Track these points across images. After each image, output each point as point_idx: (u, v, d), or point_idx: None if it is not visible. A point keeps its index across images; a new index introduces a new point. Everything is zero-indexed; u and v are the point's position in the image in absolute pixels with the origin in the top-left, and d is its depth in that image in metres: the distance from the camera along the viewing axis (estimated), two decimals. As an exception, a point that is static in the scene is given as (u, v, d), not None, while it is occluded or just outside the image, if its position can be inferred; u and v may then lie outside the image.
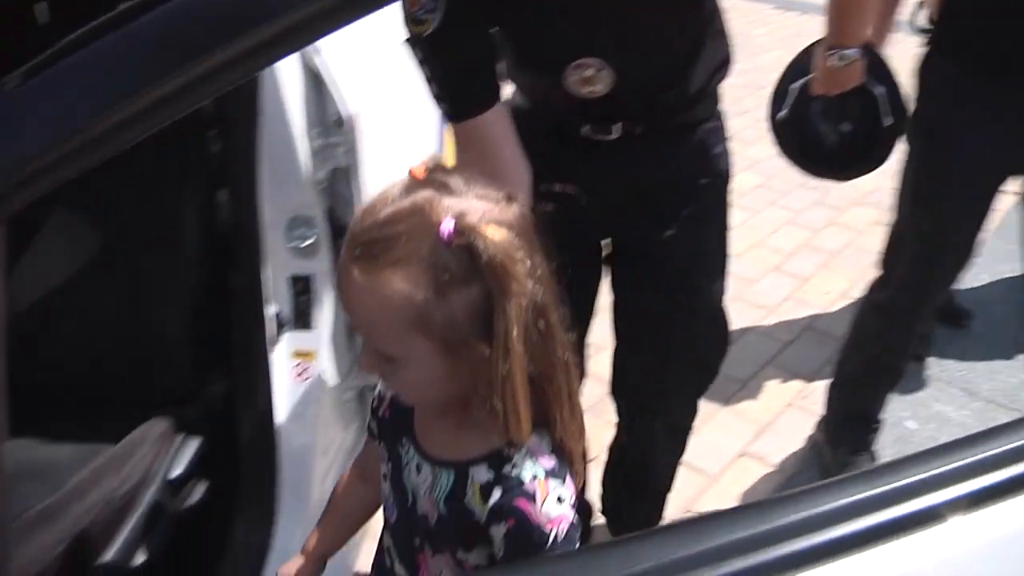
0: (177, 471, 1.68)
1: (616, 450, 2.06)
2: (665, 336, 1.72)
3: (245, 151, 1.63)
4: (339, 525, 1.29)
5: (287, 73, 1.62)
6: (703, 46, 1.54)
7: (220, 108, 1.66)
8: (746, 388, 2.82)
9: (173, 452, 1.69)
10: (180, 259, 1.74)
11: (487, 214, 0.92)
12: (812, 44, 2.02)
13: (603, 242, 1.73)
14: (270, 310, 1.69)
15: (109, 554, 1.54)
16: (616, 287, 1.76)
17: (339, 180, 1.75)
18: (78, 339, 1.74)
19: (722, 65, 1.59)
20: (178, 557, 1.67)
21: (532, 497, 0.98)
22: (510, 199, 0.97)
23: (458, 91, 1.46)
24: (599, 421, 2.16)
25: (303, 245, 1.71)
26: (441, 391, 0.99)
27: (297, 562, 1.26)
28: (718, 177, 1.65)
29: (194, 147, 1.75)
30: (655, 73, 1.51)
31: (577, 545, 1.01)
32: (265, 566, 1.64)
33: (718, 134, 1.64)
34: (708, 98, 1.60)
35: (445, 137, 2.13)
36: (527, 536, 0.97)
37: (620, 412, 1.94)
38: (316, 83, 1.67)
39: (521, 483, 0.98)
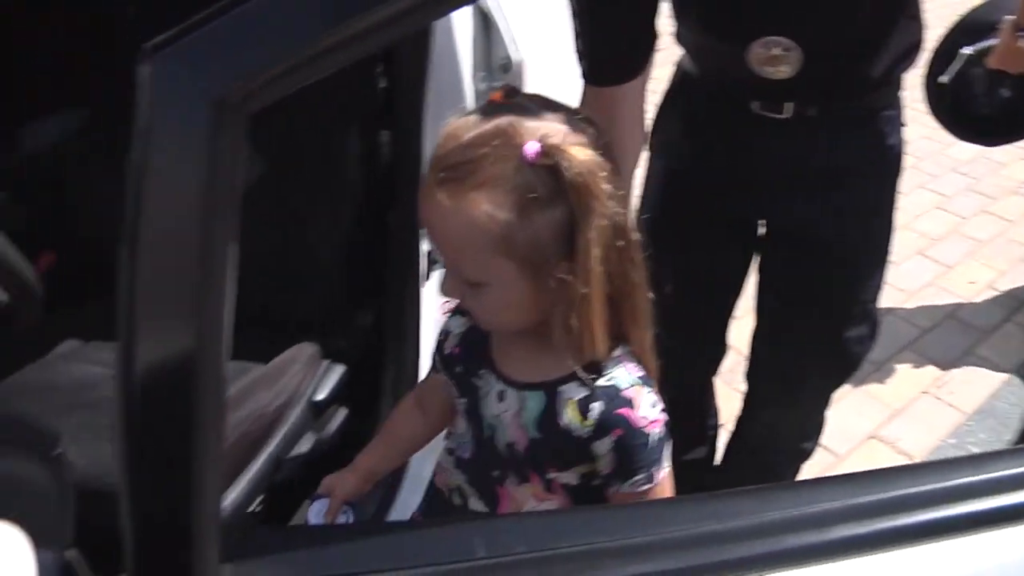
0: (322, 395, 1.74)
1: (744, 426, 2.03)
2: (812, 329, 1.64)
3: (412, 90, 1.66)
4: (391, 448, 1.31)
5: (459, 13, 1.64)
6: (894, 29, 1.43)
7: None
8: (881, 370, 2.75)
9: (319, 376, 1.74)
10: (341, 192, 1.79)
11: (569, 135, 0.94)
12: (979, 7, 1.94)
13: (759, 221, 1.65)
14: (423, 247, 1.73)
15: (255, 466, 1.61)
16: (765, 270, 1.69)
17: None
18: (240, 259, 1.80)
19: (910, 51, 1.47)
20: (314, 479, 1.73)
21: (631, 404, 1.01)
22: (589, 121, 0.98)
23: (600, 55, 1.40)
24: (729, 389, 2.14)
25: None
26: (523, 314, 1.01)
27: (346, 475, 1.26)
28: (890, 168, 1.55)
29: (361, 82, 1.79)
30: (842, 55, 1.42)
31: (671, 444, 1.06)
32: (397, 495, 1.69)
33: (894, 123, 1.53)
34: (891, 85, 1.50)
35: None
36: (632, 442, 1.01)
37: (751, 394, 1.89)
38: (486, 25, 1.68)
39: (619, 391, 1.01)
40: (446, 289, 1.04)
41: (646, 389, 1.03)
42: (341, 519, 1.22)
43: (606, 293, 0.97)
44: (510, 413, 1.07)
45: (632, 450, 1.01)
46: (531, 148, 0.91)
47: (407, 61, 1.65)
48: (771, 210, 1.61)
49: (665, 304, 1.07)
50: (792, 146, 1.49)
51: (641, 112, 1.44)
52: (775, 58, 1.37)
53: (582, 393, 1.02)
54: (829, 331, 1.63)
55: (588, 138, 0.95)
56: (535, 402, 1.05)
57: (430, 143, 1.68)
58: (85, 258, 1.52)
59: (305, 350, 1.72)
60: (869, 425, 2.56)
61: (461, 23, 1.64)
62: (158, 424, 0.60)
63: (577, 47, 1.42)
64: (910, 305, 3.08)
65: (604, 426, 1.01)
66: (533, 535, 0.73)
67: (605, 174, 0.94)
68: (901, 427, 2.56)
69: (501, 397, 1.08)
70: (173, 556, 0.59)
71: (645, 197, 1.67)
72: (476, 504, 1.16)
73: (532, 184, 0.92)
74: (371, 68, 1.79)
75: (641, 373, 1.04)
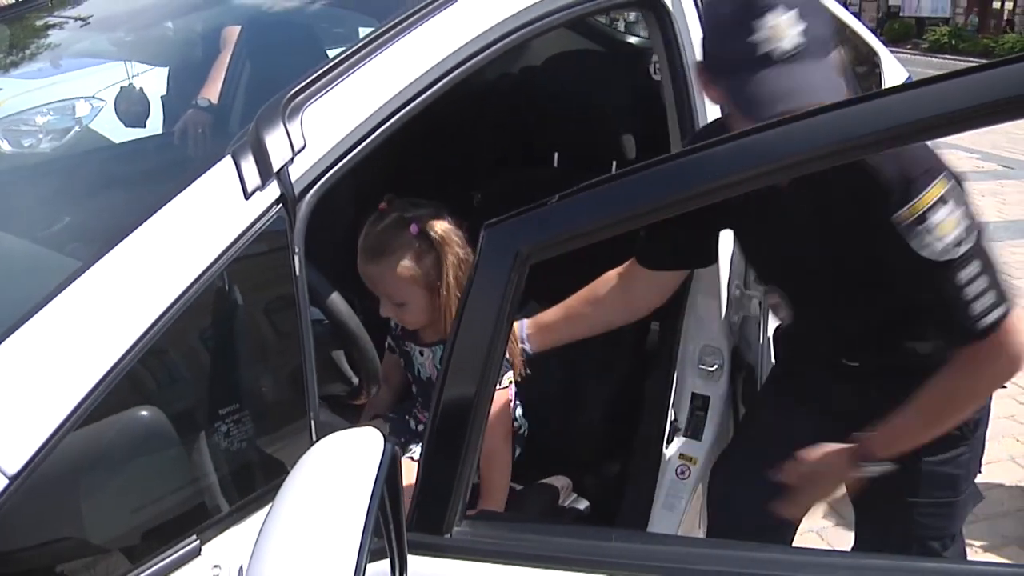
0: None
1: None
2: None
3: (679, 289, 2.08)
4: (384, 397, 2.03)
5: (722, 233, 2.05)
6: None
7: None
8: None
9: (566, 504, 2.13)
10: (614, 360, 2.21)
11: (432, 216, 1.77)
12: None
13: None
14: (670, 415, 2.11)
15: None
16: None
17: (748, 326, 2.14)
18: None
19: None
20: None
21: None
22: (444, 209, 1.80)
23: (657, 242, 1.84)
24: None
25: (709, 370, 2.11)
26: (427, 313, 1.82)
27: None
28: None
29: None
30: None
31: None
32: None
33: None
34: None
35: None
36: None
37: None
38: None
39: None
40: (383, 312, 1.84)
41: None
42: None
43: (455, 296, 1.72)
44: (429, 361, 1.91)
45: None
46: (414, 227, 1.75)
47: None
48: None
49: None
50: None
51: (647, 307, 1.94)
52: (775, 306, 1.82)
53: None
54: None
55: (443, 216, 1.77)
56: (437, 352, 1.86)
57: (690, 331, 2.09)
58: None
59: (559, 481, 2.12)
60: None
61: (725, 238, 2.05)
62: (450, 434, 1.03)
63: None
64: None
65: None
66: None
67: (455, 233, 1.77)
68: None
69: (422, 354, 1.93)
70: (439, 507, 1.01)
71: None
72: (414, 425, 1.98)
73: (418, 245, 1.76)
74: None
75: None
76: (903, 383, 1.57)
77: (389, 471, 0.95)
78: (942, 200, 1.43)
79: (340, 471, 0.93)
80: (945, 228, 1.43)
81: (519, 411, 2.04)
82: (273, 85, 1.37)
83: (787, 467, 1.66)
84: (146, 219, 1.20)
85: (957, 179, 1.47)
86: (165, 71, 2.37)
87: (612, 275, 1.91)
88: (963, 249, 1.43)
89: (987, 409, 1.80)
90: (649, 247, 1.85)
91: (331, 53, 1.75)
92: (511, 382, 1.89)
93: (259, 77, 2.41)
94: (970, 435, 1.77)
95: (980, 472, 1.87)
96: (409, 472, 1.22)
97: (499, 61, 1.91)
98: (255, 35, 2.37)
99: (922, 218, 1.42)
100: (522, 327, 1.92)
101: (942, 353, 1.56)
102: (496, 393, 1.70)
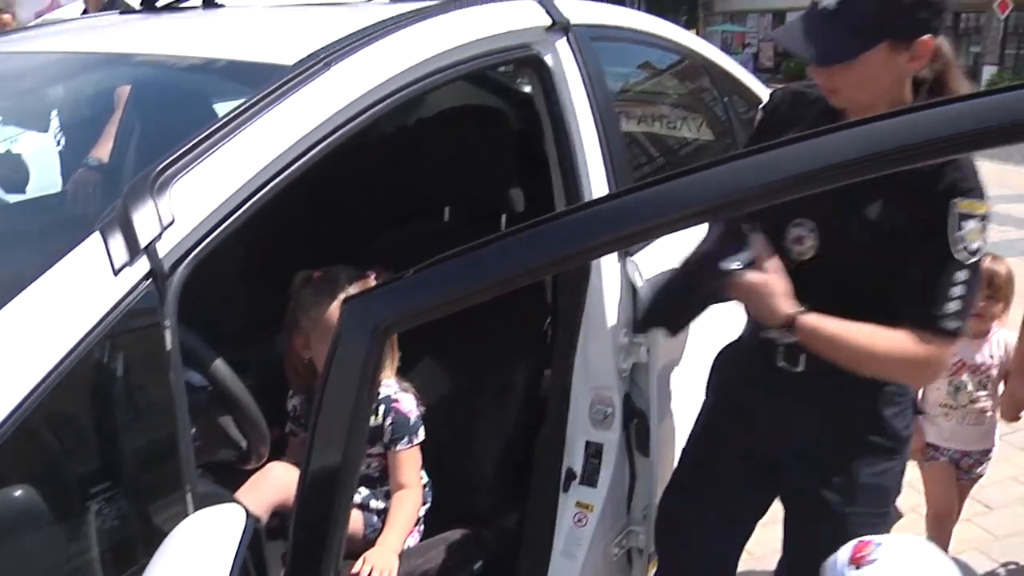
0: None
1: None
2: None
3: (568, 337, 2.12)
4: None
5: (608, 280, 2.10)
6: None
7: (554, 300, 2.17)
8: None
9: (464, 557, 2.14)
10: (507, 411, 2.24)
11: (354, 279, 1.98)
12: None
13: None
14: (565, 464, 2.14)
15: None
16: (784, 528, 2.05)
17: (638, 373, 2.18)
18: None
19: None
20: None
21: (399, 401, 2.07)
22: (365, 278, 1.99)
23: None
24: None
25: (601, 418, 2.15)
26: None
27: None
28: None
29: (534, 329, 2.28)
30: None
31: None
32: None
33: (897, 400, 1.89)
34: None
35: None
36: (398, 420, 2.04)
37: None
38: (631, 291, 2.13)
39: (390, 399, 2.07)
40: (297, 346, 2.07)
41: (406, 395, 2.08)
42: None
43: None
44: None
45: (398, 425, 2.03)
46: (343, 294, 1.88)
47: (566, 312, 2.13)
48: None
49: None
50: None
51: None
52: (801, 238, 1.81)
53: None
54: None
55: (359, 280, 1.98)
56: None
57: (579, 379, 2.13)
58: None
59: (455, 534, 2.13)
60: None
61: (610, 286, 2.09)
62: (317, 511, 1.04)
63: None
64: None
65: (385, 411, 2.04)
66: None
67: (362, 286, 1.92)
68: None
69: None
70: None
71: (697, 423, 2.14)
72: None
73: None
74: (543, 320, 2.28)
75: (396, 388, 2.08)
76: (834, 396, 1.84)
77: (252, 546, 0.96)
78: (984, 217, 1.67)
79: (200, 551, 0.93)
80: (972, 236, 1.65)
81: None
82: (162, 144, 1.38)
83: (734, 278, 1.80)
84: (11, 299, 1.20)
85: None
86: (45, 135, 2.35)
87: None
88: (973, 259, 1.66)
89: (912, 428, 1.95)
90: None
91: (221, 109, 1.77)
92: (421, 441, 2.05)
93: (150, 136, 2.41)
94: (902, 450, 1.92)
95: (900, 492, 2.00)
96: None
97: (393, 114, 1.95)
98: (145, 94, 2.36)
99: (969, 215, 1.65)
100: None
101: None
102: (412, 449, 2.05)
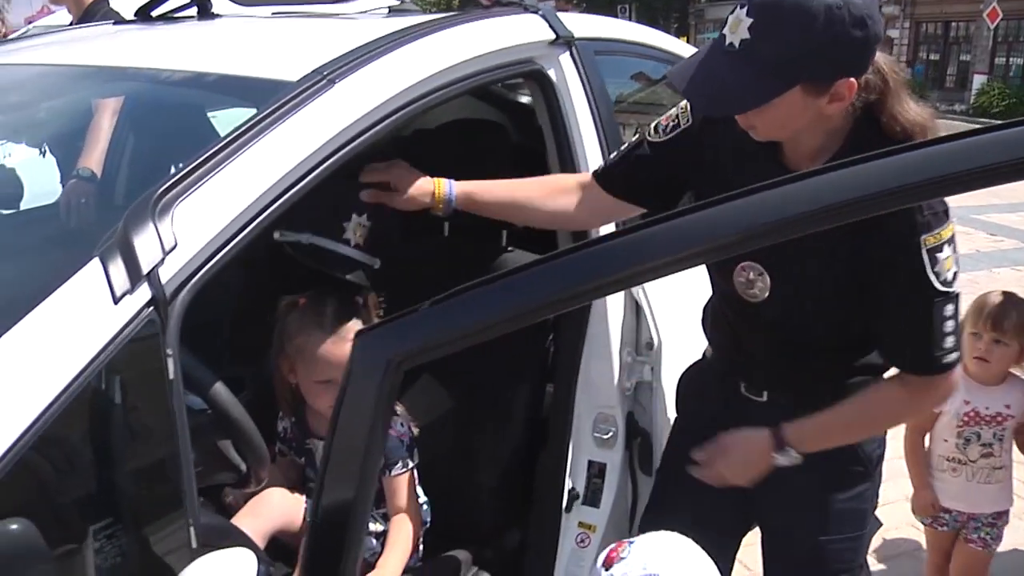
0: (470, 597, 2.10)
1: None
2: None
3: (571, 355, 2.09)
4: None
5: (611, 298, 2.07)
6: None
7: (556, 318, 2.14)
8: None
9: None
10: (509, 429, 2.21)
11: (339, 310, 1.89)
12: None
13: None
14: (567, 483, 2.10)
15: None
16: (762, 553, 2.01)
17: (642, 392, 2.16)
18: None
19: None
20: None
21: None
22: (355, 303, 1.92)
23: (619, 172, 1.88)
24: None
25: (604, 437, 2.12)
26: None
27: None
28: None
29: (536, 346, 2.24)
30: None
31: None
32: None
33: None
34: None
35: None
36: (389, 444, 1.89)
37: None
38: (636, 311, 2.10)
39: None
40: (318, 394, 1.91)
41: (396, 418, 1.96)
42: None
43: None
44: None
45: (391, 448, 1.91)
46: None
47: (569, 331, 2.10)
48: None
49: None
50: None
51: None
52: (751, 281, 1.71)
53: None
54: None
55: (349, 305, 1.90)
56: None
57: (583, 398, 2.10)
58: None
59: (460, 554, 2.10)
60: None
61: (614, 307, 2.07)
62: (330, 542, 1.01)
63: (610, 155, 1.95)
64: None
65: None
66: None
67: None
68: None
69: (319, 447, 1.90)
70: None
71: (667, 444, 2.09)
72: None
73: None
74: (545, 335, 2.25)
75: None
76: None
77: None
78: (951, 240, 1.57)
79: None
80: (947, 265, 1.56)
81: (419, 489, 2.04)
82: (164, 163, 1.33)
83: (707, 449, 1.81)
84: (8, 329, 1.16)
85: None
86: (37, 150, 2.31)
87: (566, 176, 1.99)
88: (954, 286, 1.58)
89: (884, 446, 1.91)
90: (611, 168, 1.89)
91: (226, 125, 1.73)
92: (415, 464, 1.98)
93: (150, 155, 2.37)
94: (873, 471, 1.89)
95: (877, 503, 1.97)
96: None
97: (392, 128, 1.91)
98: (145, 109, 2.32)
99: (938, 247, 1.54)
100: (451, 187, 1.86)
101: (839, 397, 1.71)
102: (407, 473, 1.96)
